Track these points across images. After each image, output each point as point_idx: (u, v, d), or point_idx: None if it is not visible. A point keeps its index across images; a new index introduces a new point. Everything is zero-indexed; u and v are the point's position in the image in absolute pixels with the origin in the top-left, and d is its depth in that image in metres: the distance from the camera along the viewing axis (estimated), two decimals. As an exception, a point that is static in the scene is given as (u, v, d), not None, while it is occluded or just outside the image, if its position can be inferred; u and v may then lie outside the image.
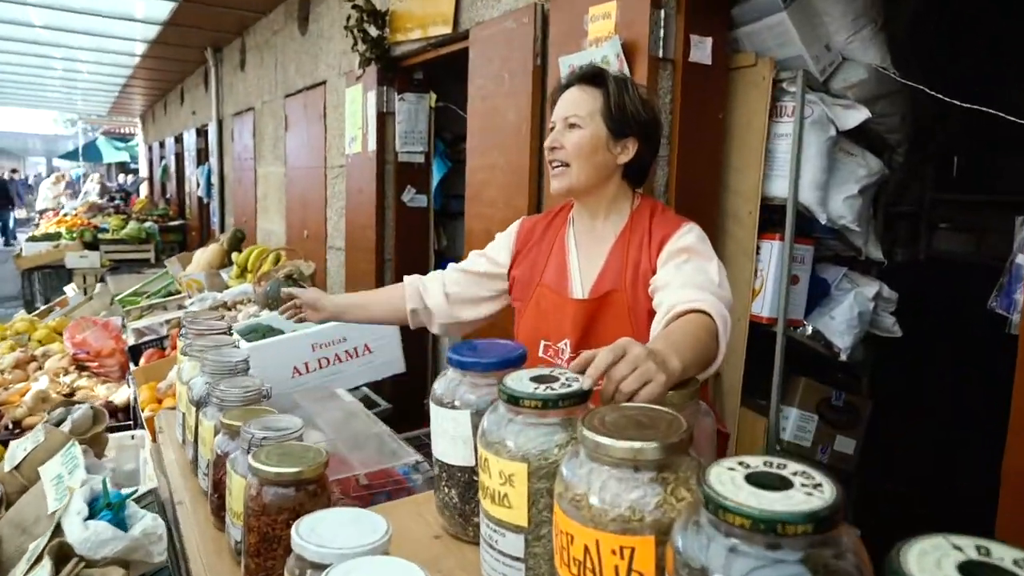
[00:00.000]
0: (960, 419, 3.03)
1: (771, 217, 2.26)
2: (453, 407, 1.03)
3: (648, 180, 1.78)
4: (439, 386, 1.07)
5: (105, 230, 8.12)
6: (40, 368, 3.02)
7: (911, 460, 2.97)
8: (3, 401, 2.63)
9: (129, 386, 2.71)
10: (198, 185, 8.16)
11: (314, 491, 1.11)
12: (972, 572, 0.46)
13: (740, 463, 0.65)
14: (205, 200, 8.00)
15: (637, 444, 0.70)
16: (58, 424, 1.36)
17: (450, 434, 1.03)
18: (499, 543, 0.89)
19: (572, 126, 1.45)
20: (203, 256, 5.18)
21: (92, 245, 7.55)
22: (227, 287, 3.81)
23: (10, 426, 2.44)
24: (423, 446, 1.49)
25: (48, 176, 16.81)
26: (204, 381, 1.51)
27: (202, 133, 8.15)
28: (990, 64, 2.96)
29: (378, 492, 1.44)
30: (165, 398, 2.31)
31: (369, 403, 2.60)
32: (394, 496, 1.46)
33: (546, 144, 1.49)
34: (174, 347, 2.77)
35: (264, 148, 5.93)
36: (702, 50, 2.17)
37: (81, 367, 3.02)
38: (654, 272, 1.41)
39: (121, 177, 18.32)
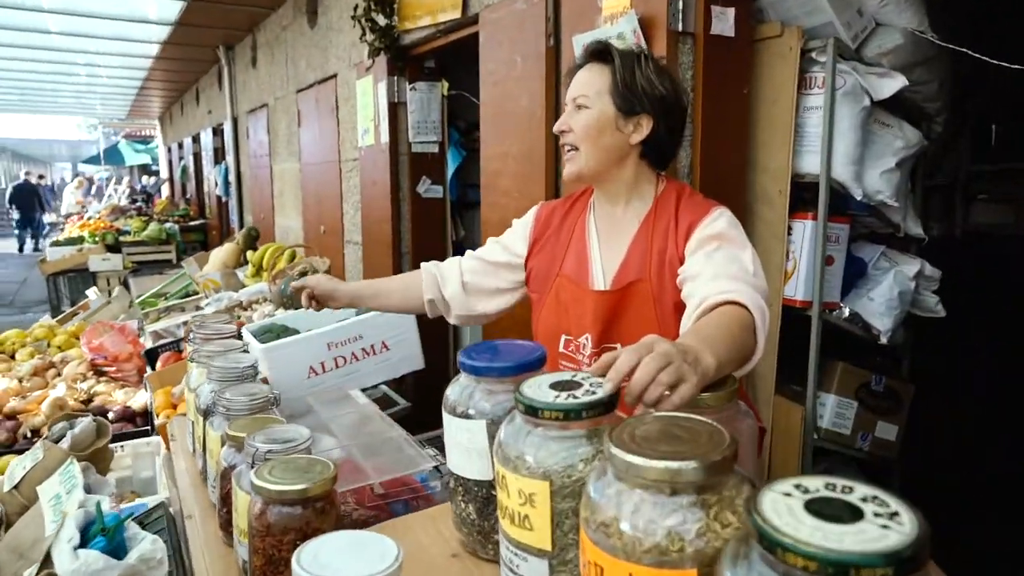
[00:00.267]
0: (1004, 400, 2.89)
1: (802, 196, 2.14)
2: (467, 416, 0.94)
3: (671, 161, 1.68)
4: (452, 393, 0.99)
5: (127, 232, 8.16)
6: (59, 375, 3.00)
7: (954, 445, 2.84)
8: (22, 410, 2.60)
9: (146, 391, 2.67)
10: (216, 184, 8.16)
11: (322, 508, 1.03)
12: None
13: (797, 486, 0.55)
14: (223, 199, 8.00)
15: (674, 464, 0.61)
16: (59, 440, 1.30)
17: (464, 446, 0.94)
18: (521, 568, 0.80)
19: (580, 107, 1.37)
20: (219, 255, 5.16)
21: (114, 248, 7.59)
22: (243, 286, 3.76)
23: (29, 435, 2.41)
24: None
25: (71, 181, 17.03)
26: (210, 389, 1.44)
27: (218, 132, 8.14)
28: (1031, 24, 2.79)
29: (394, 501, 1.36)
30: (180, 403, 2.26)
31: (388, 402, 2.54)
32: (411, 505, 1.38)
33: (555, 128, 1.42)
34: (190, 350, 2.72)
35: (279, 144, 5.88)
36: (724, 21, 2.04)
37: (99, 372, 2.99)
38: (682, 261, 1.31)
39: (144, 178, 18.52)
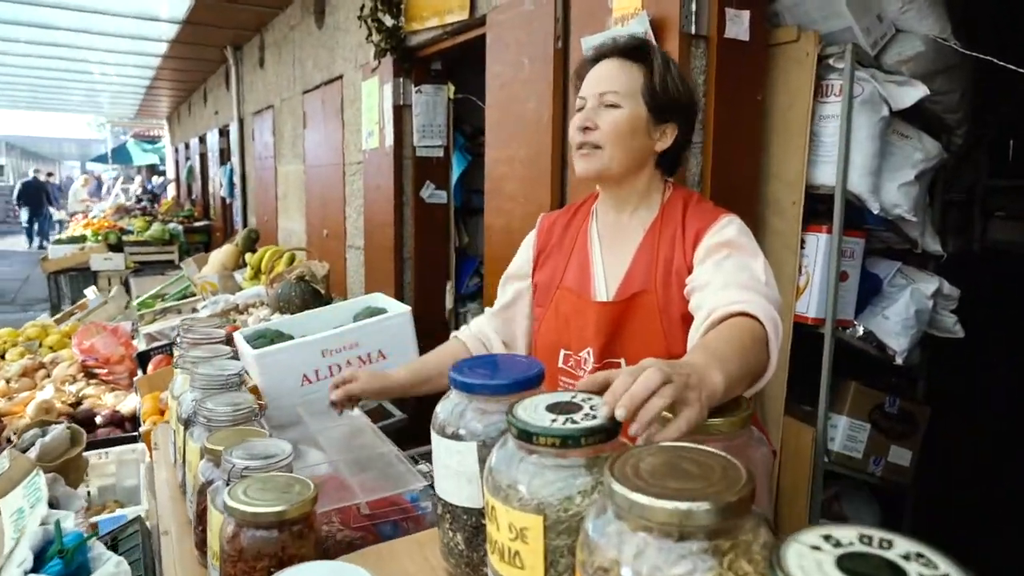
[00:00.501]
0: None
1: (816, 207, 2.06)
2: (457, 437, 0.87)
3: (680, 169, 1.61)
4: (441, 410, 0.91)
5: (130, 232, 8.12)
6: (48, 376, 2.93)
7: (972, 464, 2.75)
8: (7, 412, 2.53)
9: (136, 395, 2.60)
10: (221, 185, 8.13)
11: (300, 532, 0.96)
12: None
13: (827, 538, 0.48)
14: (228, 200, 7.96)
15: (683, 505, 0.53)
16: (28, 448, 1.23)
17: (453, 469, 0.87)
18: (510, 609, 0.72)
19: (610, 105, 1.27)
20: (218, 257, 5.10)
21: (117, 247, 7.54)
22: (240, 289, 3.70)
23: (12, 439, 2.34)
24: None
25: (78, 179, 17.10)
26: (192, 397, 1.37)
27: (224, 133, 8.11)
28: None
29: (382, 522, 1.28)
30: (168, 410, 2.19)
31: (383, 413, 2.46)
32: (400, 526, 1.30)
33: (576, 123, 1.30)
34: (183, 353, 2.64)
35: (284, 146, 5.83)
36: (738, 25, 1.97)
37: (90, 374, 2.92)
38: (689, 270, 1.24)
39: (155, 179, 18.57)
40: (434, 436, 0.90)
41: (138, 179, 18.29)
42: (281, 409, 2.01)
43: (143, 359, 2.76)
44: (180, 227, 8.47)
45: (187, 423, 1.34)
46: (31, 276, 11.37)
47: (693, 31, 1.93)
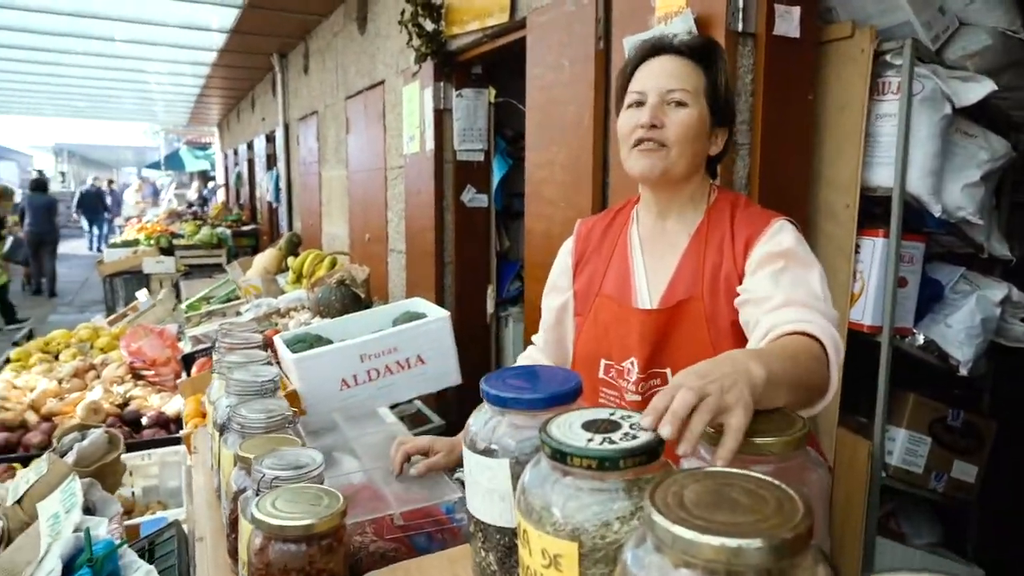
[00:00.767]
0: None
1: (872, 211, 1.97)
2: (489, 453, 0.82)
3: (720, 169, 1.55)
4: (474, 424, 0.87)
5: (181, 236, 8.32)
6: (98, 377, 3.00)
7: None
8: (58, 411, 2.59)
9: (183, 397, 2.63)
10: (268, 190, 8.27)
11: (328, 546, 0.93)
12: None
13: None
14: (274, 205, 8.10)
15: (732, 542, 0.48)
16: (66, 452, 1.24)
17: (484, 487, 0.82)
18: (543, 641, 0.68)
19: (678, 103, 1.20)
20: (261, 261, 5.17)
21: (168, 251, 7.74)
22: (283, 292, 3.73)
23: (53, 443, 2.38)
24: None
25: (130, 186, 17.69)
26: (227, 403, 1.36)
27: (271, 139, 8.25)
28: None
29: (416, 534, 1.25)
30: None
31: (422, 418, 2.44)
32: (435, 538, 1.27)
33: (640, 120, 1.21)
34: (226, 356, 2.67)
35: (327, 151, 5.90)
36: (788, 21, 1.89)
37: (138, 376, 2.98)
38: (740, 278, 1.17)
39: (211, 184, 19.08)
40: (465, 450, 0.86)
41: (195, 185, 18.85)
42: (319, 414, 2.00)
43: (188, 361, 2.80)
44: (228, 231, 8.65)
45: (222, 429, 1.33)
46: (89, 279, 11.76)
47: (740, 28, 1.86)
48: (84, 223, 17.42)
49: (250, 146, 10.05)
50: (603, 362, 1.28)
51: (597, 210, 2.33)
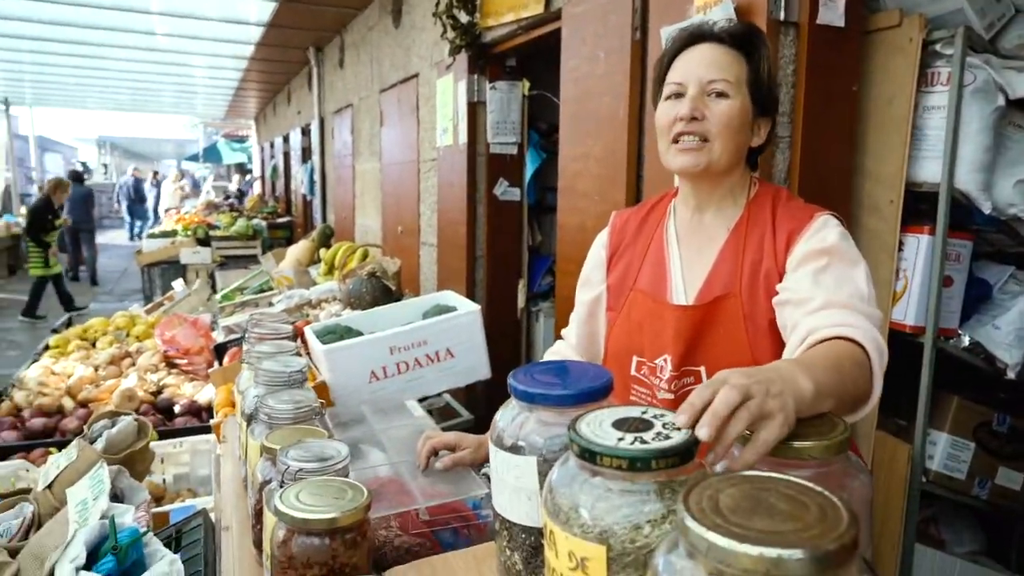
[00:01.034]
0: None
1: (917, 207, 1.90)
2: (516, 450, 0.80)
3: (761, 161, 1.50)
4: (501, 419, 0.85)
5: (217, 227, 8.45)
6: (133, 365, 3.05)
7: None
8: (94, 398, 2.64)
9: (215, 386, 2.65)
10: (302, 183, 8.35)
11: (352, 540, 0.92)
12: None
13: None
14: (308, 197, 8.17)
15: (772, 552, 0.45)
16: (96, 439, 1.25)
17: (511, 485, 0.80)
18: (569, 646, 0.65)
19: (720, 94, 1.16)
20: (294, 252, 5.22)
21: (205, 242, 7.86)
22: (315, 284, 3.75)
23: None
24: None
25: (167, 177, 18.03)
26: (255, 393, 1.35)
27: (306, 132, 8.33)
28: None
29: (442, 529, 1.24)
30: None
31: (450, 412, 2.43)
32: (460, 533, 1.25)
33: (679, 112, 1.16)
34: (258, 347, 2.69)
35: (361, 144, 5.93)
36: (833, 10, 1.83)
37: (171, 364, 3.02)
38: (781, 275, 1.13)
39: (247, 177, 19.38)
40: (491, 447, 0.84)
41: (236, 178, 19.14)
42: (347, 406, 2.00)
43: (220, 351, 2.83)
44: (263, 223, 8.76)
45: (249, 419, 1.33)
46: (128, 268, 12.03)
47: (782, 17, 1.81)
48: (125, 214, 17.85)
49: (286, 139, 10.16)
50: (635, 359, 1.25)
51: (632, 204, 2.29)
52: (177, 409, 2.60)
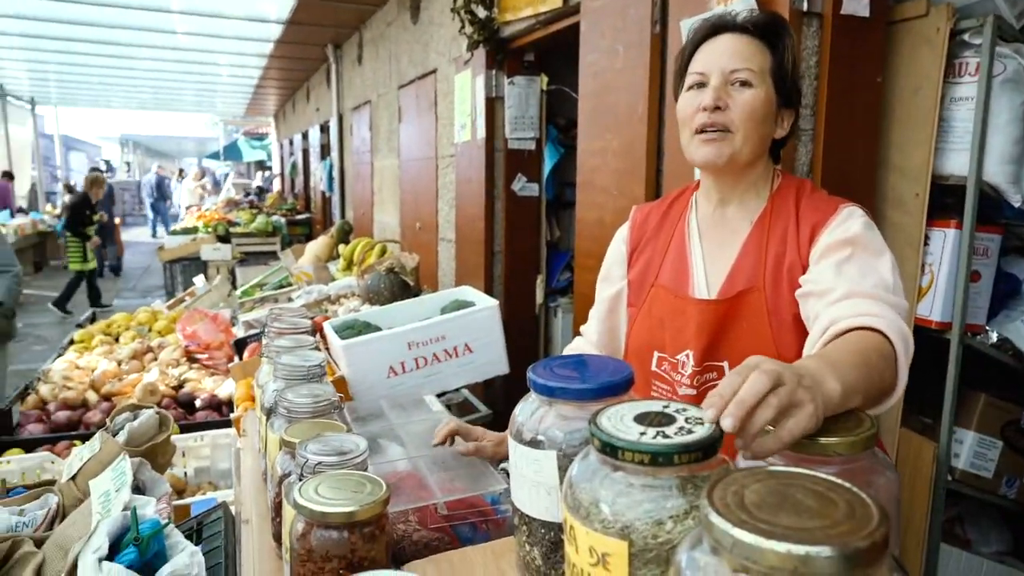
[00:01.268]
0: None
1: (943, 200, 1.87)
2: (535, 444, 0.79)
3: (784, 157, 1.47)
4: (520, 413, 0.84)
5: (238, 224, 8.52)
6: (155, 359, 3.08)
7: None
8: (117, 392, 2.67)
9: (235, 380, 2.67)
10: (321, 179, 8.40)
11: (370, 533, 0.91)
12: None
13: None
14: (327, 194, 8.22)
15: (799, 549, 0.44)
16: (119, 431, 1.26)
17: (530, 479, 0.79)
18: (589, 642, 0.65)
19: (744, 84, 1.14)
20: (313, 248, 5.25)
21: (225, 238, 7.93)
22: (333, 279, 3.77)
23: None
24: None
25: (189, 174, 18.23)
26: (274, 387, 1.36)
27: (325, 129, 8.37)
28: None
29: (460, 524, 1.23)
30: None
31: (469, 407, 2.43)
32: (479, 528, 1.25)
33: (702, 102, 1.14)
34: (277, 342, 2.70)
35: (379, 141, 5.94)
36: (857, 0, 1.80)
37: (192, 359, 3.05)
38: (804, 268, 1.11)
39: (266, 174, 19.54)
40: (511, 441, 0.83)
41: (259, 175, 19.36)
42: (366, 401, 2.01)
43: (240, 346, 2.85)
44: (283, 220, 8.82)
45: (269, 413, 1.34)
46: (151, 265, 12.17)
47: (805, 8, 1.78)
48: (149, 211, 18.11)
49: (305, 136, 10.22)
50: (656, 355, 1.23)
51: (651, 199, 2.27)
52: (198, 403, 2.62)
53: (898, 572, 0.51)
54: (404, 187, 5.17)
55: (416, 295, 2.86)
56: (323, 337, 2.27)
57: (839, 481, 0.52)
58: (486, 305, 2.28)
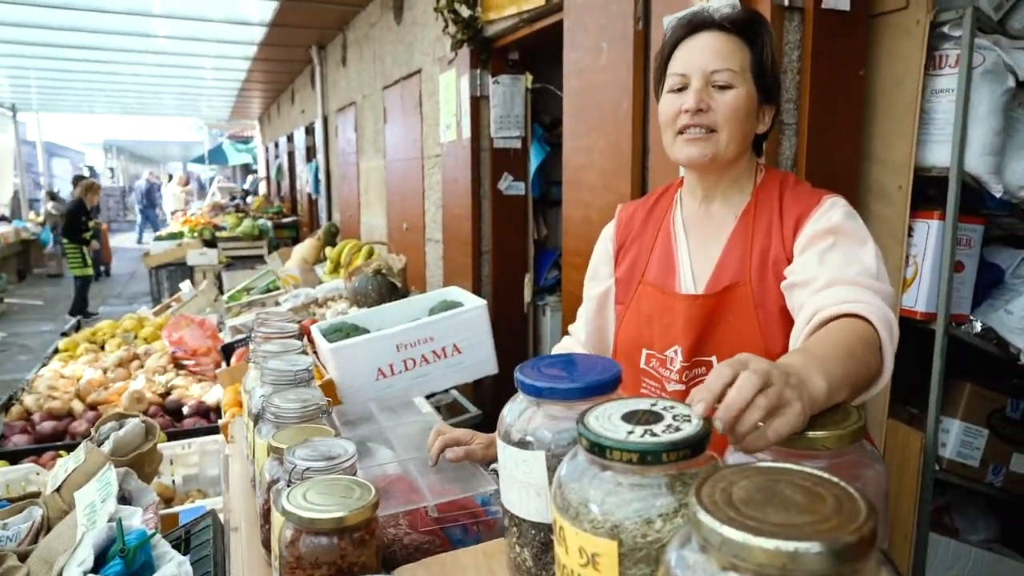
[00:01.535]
0: None
1: (926, 192, 1.88)
2: (524, 445, 0.79)
3: (766, 150, 1.48)
4: (508, 414, 0.84)
5: (223, 228, 8.46)
6: (142, 367, 3.05)
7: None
8: (103, 400, 2.65)
9: (222, 386, 2.65)
10: (307, 182, 8.36)
11: (360, 539, 0.91)
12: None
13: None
14: (313, 196, 8.18)
15: (788, 545, 0.44)
16: (104, 441, 1.24)
17: (519, 480, 0.79)
18: (581, 643, 0.64)
19: (723, 86, 1.14)
20: (300, 251, 5.22)
21: (211, 243, 7.88)
22: (321, 282, 3.75)
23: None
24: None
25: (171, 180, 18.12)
26: (261, 393, 1.35)
27: (310, 131, 8.33)
28: None
29: (451, 526, 1.23)
30: (247, 402, 2.22)
31: (458, 408, 2.42)
32: (470, 530, 1.25)
33: (684, 105, 1.15)
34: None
35: (365, 142, 5.92)
36: (838, -6, 1.81)
37: (179, 365, 3.02)
38: (789, 260, 1.12)
39: (251, 177, 19.42)
40: (499, 442, 0.83)
41: (250, 179, 19.29)
42: (354, 404, 2.00)
43: (228, 351, 2.83)
44: (269, 223, 8.77)
45: (256, 418, 1.32)
46: (136, 271, 12.08)
47: (787, 3, 1.79)
48: (139, 216, 18.04)
49: (290, 139, 10.17)
50: (645, 352, 1.23)
51: (637, 196, 2.27)
52: (185, 410, 2.60)
53: (886, 566, 0.51)
54: (390, 188, 5.16)
55: (404, 296, 2.85)
56: (311, 341, 2.26)
57: (827, 476, 0.52)
58: (474, 305, 2.27)
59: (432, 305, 2.39)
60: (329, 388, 1.99)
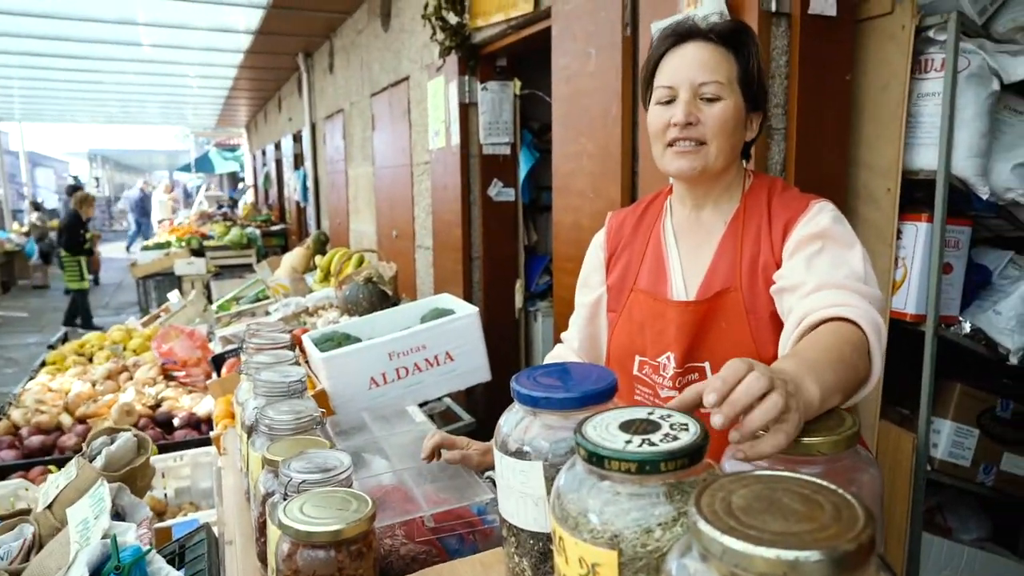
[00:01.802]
0: None
1: (913, 195, 1.90)
2: (521, 455, 0.79)
3: (755, 155, 1.49)
4: (505, 424, 0.84)
5: (211, 237, 8.42)
6: (131, 379, 3.03)
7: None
8: (92, 414, 2.62)
9: (213, 397, 2.64)
10: (295, 190, 8.33)
11: (357, 551, 0.90)
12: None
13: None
14: (302, 204, 8.15)
15: (788, 554, 0.44)
16: (96, 456, 1.23)
17: (517, 490, 0.79)
18: (581, 654, 0.64)
19: (712, 99, 1.14)
20: (289, 260, 5.20)
21: (199, 252, 7.83)
22: (311, 291, 3.74)
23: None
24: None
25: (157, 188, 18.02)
26: (254, 405, 1.34)
27: (298, 138, 8.31)
28: None
29: (447, 536, 1.22)
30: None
31: (452, 416, 2.41)
32: (466, 539, 1.24)
33: (673, 118, 1.15)
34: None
35: (353, 149, 5.91)
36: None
37: (169, 377, 3.00)
38: (778, 265, 1.12)
39: (239, 185, 19.34)
40: (496, 452, 0.83)
41: (240, 187, 19.22)
42: (348, 414, 1.99)
43: (218, 362, 2.81)
44: (257, 232, 8.73)
45: (250, 431, 1.32)
46: (124, 281, 11.99)
47: (774, 8, 1.80)
48: (133, 226, 17.93)
49: (277, 146, 10.13)
50: (638, 358, 1.24)
51: (627, 201, 2.28)
52: (176, 422, 2.58)
53: (885, 571, 0.51)
54: (380, 195, 5.15)
55: (395, 304, 2.85)
56: (302, 350, 2.25)
57: (824, 483, 0.52)
58: (466, 312, 2.27)
59: (424, 313, 2.39)
60: (322, 398, 1.98)
